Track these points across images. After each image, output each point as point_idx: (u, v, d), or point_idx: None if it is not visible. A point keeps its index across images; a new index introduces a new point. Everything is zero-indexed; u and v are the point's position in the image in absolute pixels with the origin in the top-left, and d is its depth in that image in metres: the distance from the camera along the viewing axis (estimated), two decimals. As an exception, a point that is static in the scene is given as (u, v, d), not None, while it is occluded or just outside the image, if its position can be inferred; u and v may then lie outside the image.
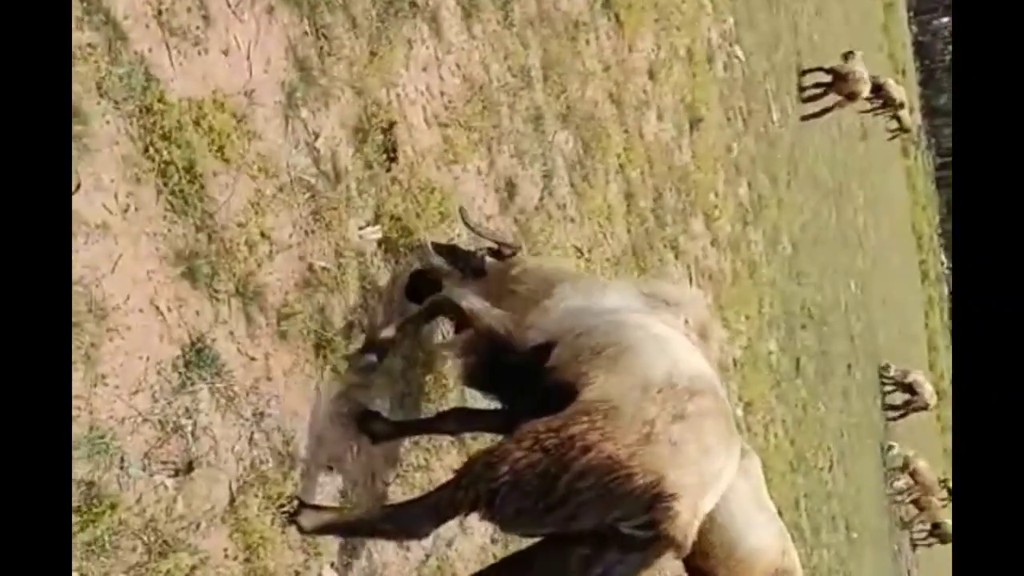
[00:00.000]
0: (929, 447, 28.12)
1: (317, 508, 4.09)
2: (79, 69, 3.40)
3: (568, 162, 7.00)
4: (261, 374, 4.01)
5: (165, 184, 3.66)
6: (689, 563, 5.27)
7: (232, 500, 3.75)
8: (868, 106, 25.72)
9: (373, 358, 4.56)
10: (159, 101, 3.67)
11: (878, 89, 25.41)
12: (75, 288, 3.25)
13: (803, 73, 17.45)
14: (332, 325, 4.43)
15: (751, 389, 10.41)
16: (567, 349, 4.01)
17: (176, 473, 3.53)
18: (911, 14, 57.77)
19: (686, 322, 4.23)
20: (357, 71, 4.82)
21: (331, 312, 4.45)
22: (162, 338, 3.57)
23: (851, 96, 17.65)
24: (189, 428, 3.61)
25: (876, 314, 24.07)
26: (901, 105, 25.40)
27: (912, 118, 35.82)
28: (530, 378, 4.05)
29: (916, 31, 61.73)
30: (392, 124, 4.96)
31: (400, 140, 5.03)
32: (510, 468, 3.60)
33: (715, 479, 3.68)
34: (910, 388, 23.21)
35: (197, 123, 3.85)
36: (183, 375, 3.62)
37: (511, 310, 4.35)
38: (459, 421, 4.71)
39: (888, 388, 23.47)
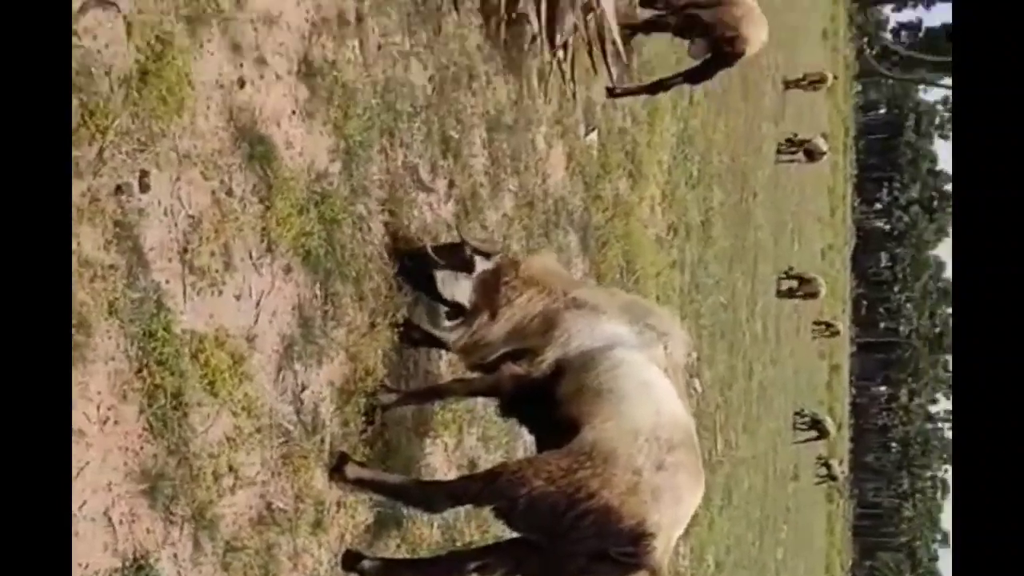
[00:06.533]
0: None
1: (361, 464, 4.57)
2: (96, 286, 3.30)
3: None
4: (196, 601, 3.71)
5: (149, 405, 3.50)
6: None
7: None
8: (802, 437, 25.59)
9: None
10: (164, 329, 3.56)
11: (816, 423, 25.48)
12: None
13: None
14: (277, 564, 4.15)
15: None
16: (572, 381, 4.54)
17: None
18: (853, 378, 58.86)
19: (667, 350, 4.68)
20: (354, 338, 4.73)
21: (278, 551, 4.17)
22: (106, 548, 3.33)
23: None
24: (110, 644, 3.29)
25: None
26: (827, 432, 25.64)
27: (840, 468, 35.86)
28: (544, 400, 4.58)
29: (855, 393, 62.74)
30: (376, 390, 4.82)
31: (379, 406, 4.87)
32: (527, 493, 4.21)
33: (684, 517, 4.35)
34: None
35: (195, 356, 3.73)
36: (118, 589, 3.34)
37: (519, 328, 4.83)
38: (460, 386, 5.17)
39: None
